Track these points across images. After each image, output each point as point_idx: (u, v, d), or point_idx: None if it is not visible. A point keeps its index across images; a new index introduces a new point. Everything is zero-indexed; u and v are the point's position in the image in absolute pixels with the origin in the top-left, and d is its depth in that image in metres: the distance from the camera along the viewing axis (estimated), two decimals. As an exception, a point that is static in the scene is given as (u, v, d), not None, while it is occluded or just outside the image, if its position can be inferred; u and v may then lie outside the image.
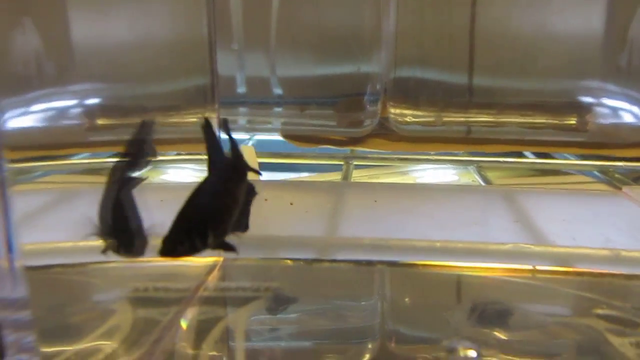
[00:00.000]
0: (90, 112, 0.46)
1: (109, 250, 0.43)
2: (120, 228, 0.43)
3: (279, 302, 0.56)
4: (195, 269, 0.59)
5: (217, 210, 0.45)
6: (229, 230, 0.46)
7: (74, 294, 0.47)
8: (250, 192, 0.52)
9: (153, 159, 0.48)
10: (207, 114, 0.69)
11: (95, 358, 0.42)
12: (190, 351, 0.47)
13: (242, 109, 1.01)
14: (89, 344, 0.42)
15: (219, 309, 0.56)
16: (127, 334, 0.44)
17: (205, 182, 0.48)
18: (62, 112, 0.43)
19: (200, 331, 0.50)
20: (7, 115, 0.35)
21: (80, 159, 0.53)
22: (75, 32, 0.43)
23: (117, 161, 0.45)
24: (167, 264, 0.56)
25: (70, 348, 0.40)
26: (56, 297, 0.45)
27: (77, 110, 0.44)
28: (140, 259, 0.45)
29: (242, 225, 0.50)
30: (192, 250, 0.42)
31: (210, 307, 0.55)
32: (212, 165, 0.50)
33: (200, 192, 0.47)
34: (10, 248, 0.30)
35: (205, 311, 0.54)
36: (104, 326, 0.44)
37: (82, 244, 0.44)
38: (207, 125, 0.52)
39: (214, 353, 0.47)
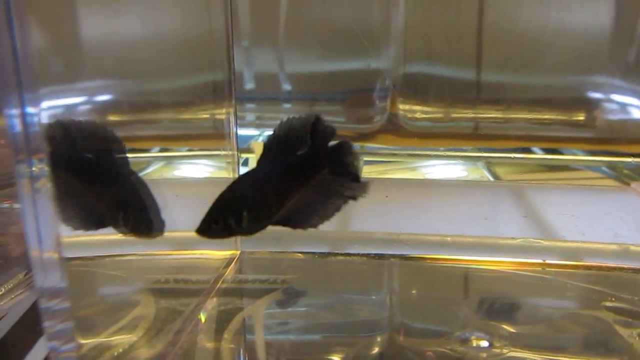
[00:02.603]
0: (98, 109, 0.46)
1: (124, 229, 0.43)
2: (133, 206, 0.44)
3: (289, 296, 0.57)
4: (214, 262, 0.61)
5: (255, 197, 0.46)
6: (265, 217, 0.47)
7: (98, 285, 0.49)
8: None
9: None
10: (225, 110, 0.70)
11: (121, 346, 0.43)
12: (211, 341, 0.49)
13: (250, 105, 1.02)
14: (115, 332, 0.44)
15: (237, 300, 0.57)
16: (151, 324, 0.46)
17: (250, 172, 0.50)
18: (70, 109, 0.43)
19: (221, 321, 0.51)
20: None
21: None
22: (85, 28, 0.43)
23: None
24: (186, 256, 0.58)
25: (97, 337, 0.42)
26: (80, 289, 0.46)
27: (87, 107, 0.44)
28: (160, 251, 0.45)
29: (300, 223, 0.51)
30: (226, 230, 0.44)
31: (230, 299, 0.57)
32: (264, 158, 0.51)
33: (241, 180, 0.49)
34: (58, 240, 0.31)
35: (224, 302, 0.56)
36: (129, 316, 0.46)
37: (98, 237, 0.45)
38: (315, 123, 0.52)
39: (234, 343, 0.49)
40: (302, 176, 0.51)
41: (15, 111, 0.30)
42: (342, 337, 0.51)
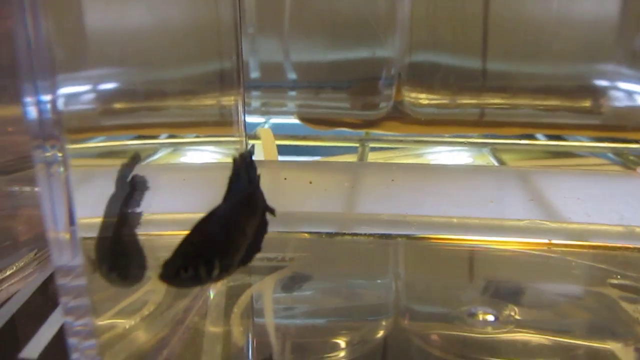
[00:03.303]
0: (104, 97, 0.46)
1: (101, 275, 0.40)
2: (119, 258, 0.41)
3: (294, 280, 0.58)
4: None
5: (227, 242, 0.42)
6: (234, 264, 0.43)
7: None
8: (263, 227, 0.50)
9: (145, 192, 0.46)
10: (232, 98, 0.70)
11: (130, 321, 0.44)
12: (220, 316, 0.49)
13: (256, 93, 1.02)
14: (126, 308, 0.44)
15: (245, 277, 0.58)
16: (161, 300, 0.47)
17: (217, 210, 0.45)
18: (74, 98, 0.43)
19: (230, 297, 0.52)
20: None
21: (95, 143, 0.54)
22: (91, 16, 0.43)
23: (113, 196, 0.44)
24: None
25: (107, 312, 0.42)
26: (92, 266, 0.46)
27: (91, 95, 0.44)
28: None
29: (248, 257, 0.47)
30: (195, 280, 0.39)
31: (238, 276, 0.57)
32: (228, 195, 0.47)
33: (210, 220, 0.43)
34: (72, 220, 0.32)
35: (233, 279, 0.56)
36: (139, 292, 0.46)
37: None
38: (241, 158, 0.49)
39: (242, 318, 0.49)
40: (254, 212, 0.49)
41: (31, 98, 0.30)
42: (348, 320, 0.51)
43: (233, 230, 0.43)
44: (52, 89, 0.31)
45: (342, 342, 0.47)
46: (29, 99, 0.30)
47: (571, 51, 0.91)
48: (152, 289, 0.48)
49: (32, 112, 0.31)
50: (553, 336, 0.47)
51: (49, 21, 0.32)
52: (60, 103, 0.31)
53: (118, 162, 0.47)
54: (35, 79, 0.30)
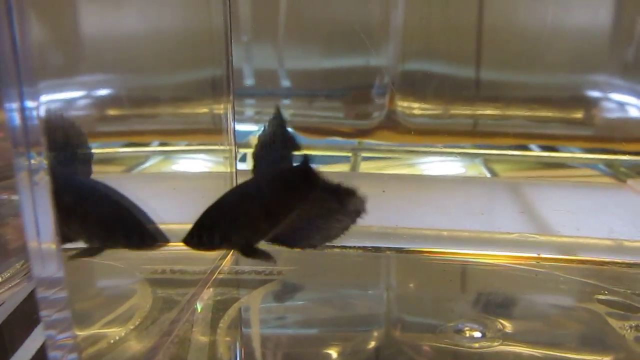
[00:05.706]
0: (96, 104, 0.46)
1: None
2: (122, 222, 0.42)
3: (286, 290, 0.58)
4: (210, 253, 0.61)
5: (246, 215, 0.44)
6: (258, 238, 0.45)
7: (95, 274, 0.49)
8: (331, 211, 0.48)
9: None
10: (222, 105, 0.70)
11: (117, 334, 0.44)
12: (207, 330, 0.49)
13: (250, 101, 1.02)
14: (112, 321, 0.44)
15: (233, 290, 0.58)
16: (148, 313, 0.46)
17: (245, 183, 0.46)
18: (70, 103, 0.43)
19: (217, 311, 0.52)
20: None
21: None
22: (85, 22, 0.43)
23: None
24: (183, 248, 0.58)
25: (93, 325, 0.42)
26: (78, 278, 0.46)
27: (87, 101, 0.44)
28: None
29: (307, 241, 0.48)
30: (211, 246, 0.43)
31: (226, 289, 0.57)
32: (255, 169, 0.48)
33: (233, 192, 0.46)
34: (58, 231, 0.32)
35: (220, 292, 0.56)
36: (126, 304, 0.46)
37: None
38: (277, 115, 0.49)
39: (229, 332, 0.49)
40: (297, 191, 0.47)
41: (14, 105, 0.30)
42: (339, 331, 0.51)
43: (254, 205, 0.44)
44: (37, 95, 0.30)
45: (333, 353, 0.47)
46: (12, 105, 0.30)
47: (564, 62, 0.91)
48: (139, 303, 0.47)
49: (16, 118, 0.30)
50: (540, 350, 0.46)
51: (43, 27, 0.31)
52: (43, 110, 0.31)
53: (108, 169, 0.47)
54: (19, 84, 0.30)
